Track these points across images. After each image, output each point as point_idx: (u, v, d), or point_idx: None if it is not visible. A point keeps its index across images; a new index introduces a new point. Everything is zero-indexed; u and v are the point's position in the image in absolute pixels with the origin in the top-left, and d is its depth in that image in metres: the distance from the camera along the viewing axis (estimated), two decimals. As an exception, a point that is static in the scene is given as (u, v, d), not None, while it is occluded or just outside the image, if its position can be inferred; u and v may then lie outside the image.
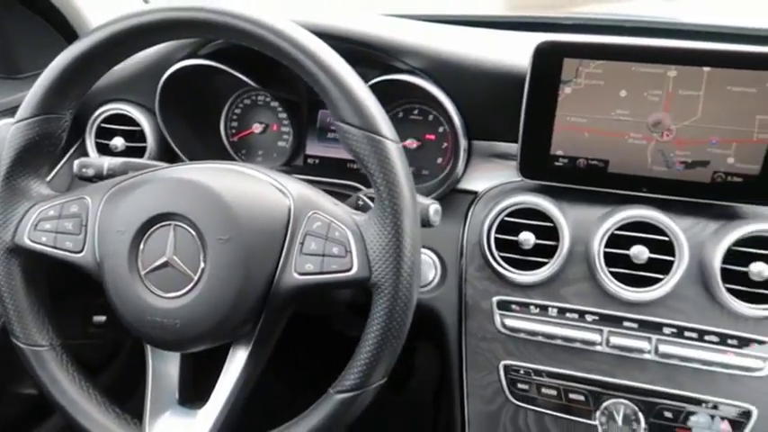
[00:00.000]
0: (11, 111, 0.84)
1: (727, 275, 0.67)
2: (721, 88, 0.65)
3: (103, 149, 0.91)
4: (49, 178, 0.74)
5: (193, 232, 0.56)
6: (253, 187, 0.59)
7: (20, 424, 1.08)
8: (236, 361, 0.61)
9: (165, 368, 0.62)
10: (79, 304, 1.08)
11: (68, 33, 0.89)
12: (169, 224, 0.57)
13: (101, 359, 1.17)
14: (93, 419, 0.62)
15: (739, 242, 0.67)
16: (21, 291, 0.63)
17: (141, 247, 0.57)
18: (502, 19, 0.84)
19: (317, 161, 0.92)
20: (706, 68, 0.64)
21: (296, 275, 0.56)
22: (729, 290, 0.67)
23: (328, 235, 0.56)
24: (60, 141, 0.65)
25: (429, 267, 0.80)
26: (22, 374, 1.08)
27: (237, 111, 0.94)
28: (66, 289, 0.88)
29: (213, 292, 0.55)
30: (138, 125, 0.89)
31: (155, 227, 0.57)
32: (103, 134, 0.91)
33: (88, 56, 0.61)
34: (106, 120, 0.90)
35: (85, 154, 0.92)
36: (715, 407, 0.68)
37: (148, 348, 0.62)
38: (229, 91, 0.93)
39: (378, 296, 0.54)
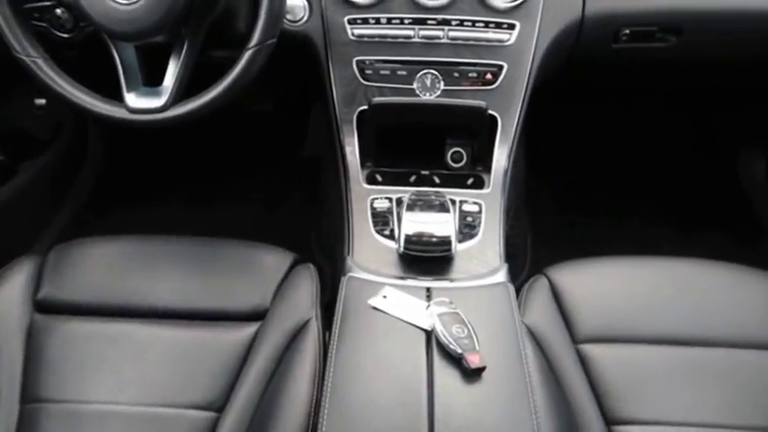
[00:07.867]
0: None
1: None
2: None
3: None
4: None
5: None
6: None
7: None
8: (175, 54, 0.92)
9: (128, 59, 0.92)
10: (23, 91, 1.32)
11: None
12: None
13: (46, 135, 1.43)
14: (88, 101, 0.92)
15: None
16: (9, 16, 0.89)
17: None
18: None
19: None
20: None
21: None
22: (490, -10, 1.08)
23: None
24: None
25: (300, 9, 1.13)
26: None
27: None
28: (12, 82, 1.13)
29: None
30: None
31: None
32: None
33: None
34: None
35: None
36: (483, 66, 1.11)
37: (113, 48, 0.92)
38: None
39: None
